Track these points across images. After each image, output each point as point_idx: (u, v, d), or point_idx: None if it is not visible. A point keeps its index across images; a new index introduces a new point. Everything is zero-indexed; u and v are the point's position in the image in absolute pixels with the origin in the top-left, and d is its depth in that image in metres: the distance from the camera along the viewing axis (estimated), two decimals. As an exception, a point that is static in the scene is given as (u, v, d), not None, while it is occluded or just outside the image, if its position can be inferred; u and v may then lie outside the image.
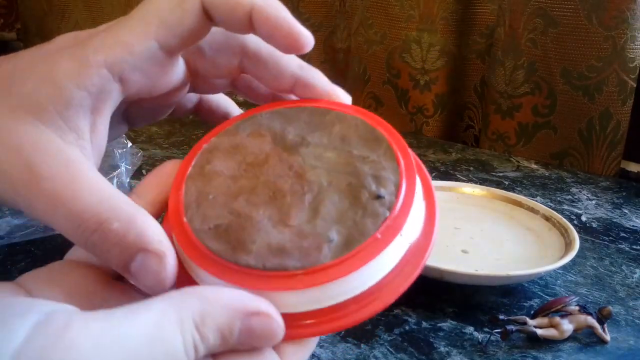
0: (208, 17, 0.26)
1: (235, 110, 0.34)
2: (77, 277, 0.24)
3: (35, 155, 0.23)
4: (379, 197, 0.24)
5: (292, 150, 0.26)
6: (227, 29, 0.28)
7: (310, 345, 0.24)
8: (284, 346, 0.23)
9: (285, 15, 0.26)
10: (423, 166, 0.27)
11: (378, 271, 0.23)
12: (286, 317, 0.22)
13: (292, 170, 0.25)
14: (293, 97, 0.30)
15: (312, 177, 0.25)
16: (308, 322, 0.23)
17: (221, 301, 0.21)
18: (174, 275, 0.23)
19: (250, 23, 0.26)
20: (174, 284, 0.23)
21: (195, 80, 0.30)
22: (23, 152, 0.23)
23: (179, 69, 0.28)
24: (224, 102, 0.34)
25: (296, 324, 0.23)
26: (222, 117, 0.33)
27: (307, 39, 0.27)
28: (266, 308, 0.22)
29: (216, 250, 0.23)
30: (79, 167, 0.24)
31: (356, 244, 0.22)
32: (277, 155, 0.26)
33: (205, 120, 0.34)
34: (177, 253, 0.24)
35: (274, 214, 0.24)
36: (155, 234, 0.23)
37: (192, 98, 0.33)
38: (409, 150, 0.26)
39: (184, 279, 0.24)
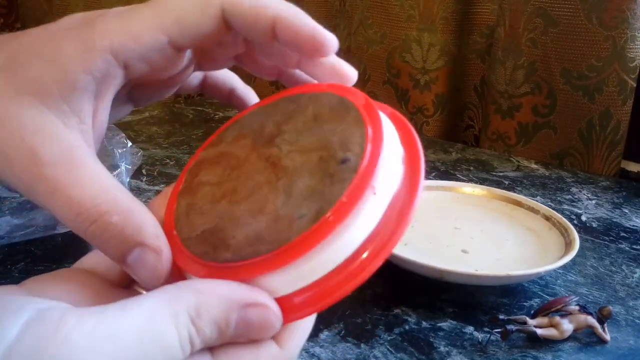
0: (227, 25, 0.26)
1: (240, 85, 0.34)
2: (81, 283, 0.24)
3: (38, 140, 0.23)
4: (345, 161, 0.23)
5: (269, 143, 0.26)
6: (246, 37, 0.27)
7: (305, 329, 0.24)
8: (279, 333, 0.23)
9: (308, 22, 0.26)
10: (409, 126, 0.26)
11: (355, 234, 0.22)
12: (276, 301, 0.22)
13: (269, 162, 0.25)
14: (297, 73, 0.30)
15: (286, 162, 0.24)
16: (297, 302, 0.22)
17: (216, 293, 0.21)
18: (168, 270, 0.24)
19: (273, 33, 0.26)
20: (169, 279, 0.24)
21: (200, 59, 0.30)
22: (26, 136, 0.23)
23: (184, 57, 0.28)
24: (229, 78, 0.34)
25: (286, 307, 0.22)
26: (227, 92, 0.33)
27: (332, 42, 0.26)
28: (262, 299, 0.22)
29: (199, 253, 0.23)
30: (80, 155, 0.24)
31: (324, 214, 0.22)
32: (256, 152, 0.26)
33: (212, 96, 0.34)
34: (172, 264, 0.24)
35: (253, 206, 0.23)
36: (152, 229, 0.24)
37: (197, 76, 0.33)
38: (378, 110, 0.25)
39: None
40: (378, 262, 0.22)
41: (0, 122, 0.24)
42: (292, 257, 0.22)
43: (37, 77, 0.24)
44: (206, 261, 0.23)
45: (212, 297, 0.21)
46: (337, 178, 0.22)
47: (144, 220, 0.24)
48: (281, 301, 0.22)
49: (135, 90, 0.30)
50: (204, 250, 0.23)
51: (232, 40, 0.28)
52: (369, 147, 0.23)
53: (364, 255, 0.22)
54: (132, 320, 0.19)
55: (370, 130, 0.23)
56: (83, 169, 0.24)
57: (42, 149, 0.23)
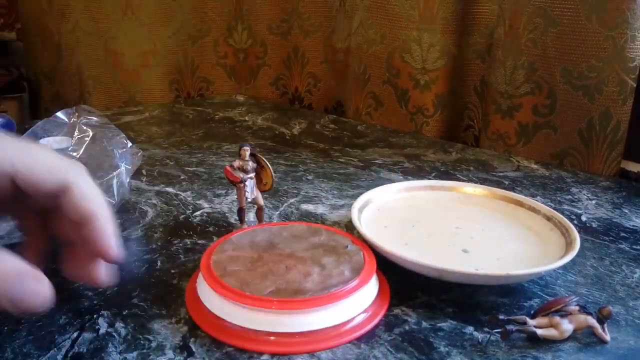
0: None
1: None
2: None
3: None
4: (347, 246, 0.41)
5: (271, 248, 0.40)
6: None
7: None
8: None
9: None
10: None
11: (370, 295, 0.39)
12: (284, 335, 0.35)
13: (284, 255, 0.39)
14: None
15: (300, 254, 0.40)
16: (297, 340, 0.35)
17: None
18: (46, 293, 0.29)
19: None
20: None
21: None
22: None
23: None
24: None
25: (288, 342, 0.35)
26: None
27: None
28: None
29: (287, 296, 0.35)
30: None
31: (361, 269, 0.38)
32: (266, 252, 0.40)
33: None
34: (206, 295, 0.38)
35: (299, 275, 0.37)
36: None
37: None
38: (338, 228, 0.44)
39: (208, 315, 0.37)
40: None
41: None
42: (358, 288, 0.37)
43: None
44: (294, 298, 0.35)
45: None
46: (352, 254, 0.40)
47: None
48: (285, 335, 0.35)
49: None
50: (288, 296, 0.35)
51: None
52: (356, 240, 0.42)
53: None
54: None
55: (348, 235, 0.43)
56: None
57: None
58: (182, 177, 0.62)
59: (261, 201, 0.48)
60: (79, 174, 0.32)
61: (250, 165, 0.46)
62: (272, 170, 0.46)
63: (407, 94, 0.86)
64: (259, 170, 0.47)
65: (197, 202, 0.56)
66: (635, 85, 0.67)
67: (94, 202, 0.31)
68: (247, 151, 0.46)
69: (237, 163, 0.46)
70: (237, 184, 0.46)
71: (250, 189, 0.47)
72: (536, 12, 0.70)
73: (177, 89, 1.10)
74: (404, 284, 0.41)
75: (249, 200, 0.47)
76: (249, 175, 0.46)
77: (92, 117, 0.65)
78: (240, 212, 0.48)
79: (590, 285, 0.44)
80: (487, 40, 0.82)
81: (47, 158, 0.31)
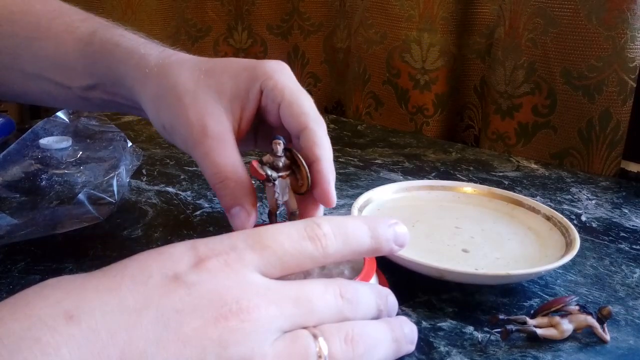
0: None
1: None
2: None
3: (210, 120, 0.39)
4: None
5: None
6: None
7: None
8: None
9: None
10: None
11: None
12: None
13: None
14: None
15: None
16: None
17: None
18: (251, 226, 0.38)
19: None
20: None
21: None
22: (204, 115, 0.39)
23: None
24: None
25: None
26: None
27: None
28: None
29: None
30: (229, 138, 0.39)
31: (362, 268, 0.37)
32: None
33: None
34: None
35: (312, 275, 0.35)
36: (251, 200, 0.38)
37: None
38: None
39: None
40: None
41: (194, 101, 0.39)
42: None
43: (222, 83, 0.40)
44: None
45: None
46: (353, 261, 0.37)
47: (248, 193, 0.38)
48: None
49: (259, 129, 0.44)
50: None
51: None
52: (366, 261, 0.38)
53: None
54: None
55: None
56: (228, 147, 0.39)
57: (210, 126, 0.39)
58: (182, 177, 0.62)
59: (294, 205, 0.40)
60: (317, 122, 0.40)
61: (283, 162, 0.38)
62: (307, 169, 0.38)
63: (407, 93, 0.86)
64: (295, 169, 0.39)
65: (197, 201, 0.56)
66: (635, 85, 0.67)
67: (321, 147, 0.39)
68: (279, 144, 0.37)
69: (267, 158, 0.38)
70: (263, 183, 0.38)
71: (281, 190, 0.38)
72: (536, 12, 0.70)
73: (177, 88, 1.09)
74: (404, 283, 0.41)
75: (280, 202, 0.39)
76: (280, 174, 0.38)
77: (92, 117, 0.65)
78: (270, 217, 0.40)
79: (590, 285, 0.44)
80: (487, 40, 0.82)
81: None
